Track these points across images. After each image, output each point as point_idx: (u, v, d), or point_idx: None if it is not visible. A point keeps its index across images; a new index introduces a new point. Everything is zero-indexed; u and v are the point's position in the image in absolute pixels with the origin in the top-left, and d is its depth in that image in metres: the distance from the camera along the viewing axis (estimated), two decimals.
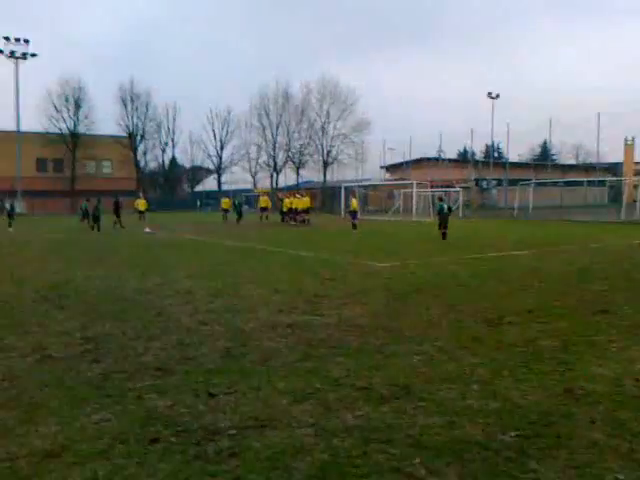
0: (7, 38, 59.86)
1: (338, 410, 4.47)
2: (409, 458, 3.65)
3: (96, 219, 29.32)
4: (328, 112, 72.64)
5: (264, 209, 39.26)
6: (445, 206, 21.17)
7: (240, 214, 38.44)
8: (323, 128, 73.05)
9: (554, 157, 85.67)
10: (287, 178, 78.75)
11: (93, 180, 69.76)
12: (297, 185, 71.63)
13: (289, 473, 3.48)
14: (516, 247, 18.42)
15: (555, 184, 55.84)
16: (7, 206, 33.84)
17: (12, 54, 60.21)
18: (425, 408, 4.50)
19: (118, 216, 31.61)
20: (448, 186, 51.57)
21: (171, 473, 3.49)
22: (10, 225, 31.37)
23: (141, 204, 40.40)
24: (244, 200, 40.56)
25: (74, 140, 69.28)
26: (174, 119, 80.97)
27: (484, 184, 68.13)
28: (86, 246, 20.41)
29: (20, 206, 61.05)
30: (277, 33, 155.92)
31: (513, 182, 51.81)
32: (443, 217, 20.57)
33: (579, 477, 3.40)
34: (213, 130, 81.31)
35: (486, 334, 6.90)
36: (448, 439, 3.93)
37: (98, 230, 28.72)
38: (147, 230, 27.95)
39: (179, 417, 4.37)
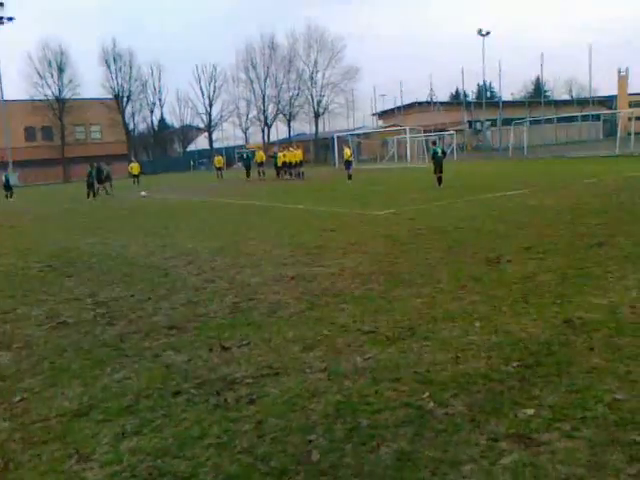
0: None
1: (347, 354, 4.68)
2: (418, 393, 3.86)
3: (90, 186, 28.85)
4: (316, 61, 71.39)
5: (260, 164, 39.02)
6: (439, 150, 21.13)
7: (248, 168, 38.09)
8: (312, 77, 71.93)
9: (547, 93, 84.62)
10: (279, 132, 78.06)
11: (83, 146, 69.05)
12: (289, 138, 71.00)
13: (306, 414, 3.70)
14: (512, 187, 18.52)
15: (549, 121, 55.45)
16: (2, 178, 33.67)
17: None
18: (430, 346, 4.70)
19: (100, 182, 30.27)
20: (441, 130, 51.22)
21: (196, 422, 3.69)
22: (7, 197, 31.44)
23: (134, 168, 40.36)
24: (247, 156, 39.74)
25: (61, 106, 68.00)
26: (159, 78, 79.43)
27: (477, 126, 67.64)
28: (83, 214, 20.46)
29: (14, 178, 60.72)
30: None
31: (507, 122, 51.40)
32: (438, 161, 20.55)
33: (580, 400, 3.61)
34: (200, 87, 79.95)
35: (485, 273, 7.09)
36: (453, 373, 4.13)
37: (94, 197, 28.43)
38: (143, 194, 27.93)
39: (197, 371, 4.57)
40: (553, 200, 14.22)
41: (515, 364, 4.22)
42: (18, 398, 4.28)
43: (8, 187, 33.05)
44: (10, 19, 59.50)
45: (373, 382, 4.09)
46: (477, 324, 5.19)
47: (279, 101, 74.41)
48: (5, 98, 60.99)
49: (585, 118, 61.37)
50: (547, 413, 3.45)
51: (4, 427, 3.83)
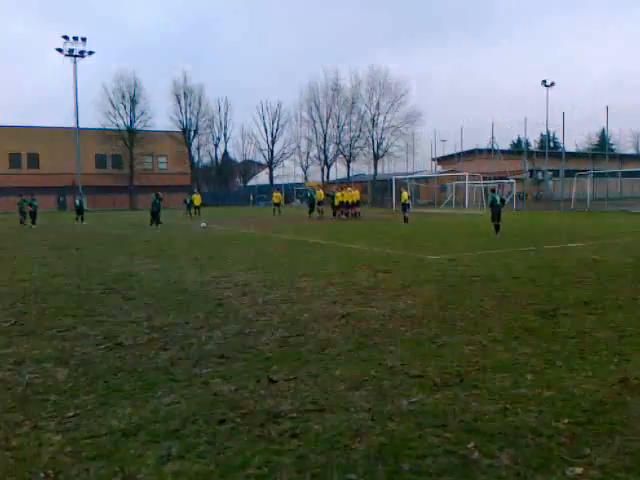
0: (66, 37, 61.89)
1: (393, 396, 4.66)
2: (463, 442, 3.80)
3: (154, 214, 29.74)
4: (378, 103, 72.27)
5: (320, 202, 39.26)
6: (498, 198, 20.88)
7: (312, 206, 38.17)
8: (373, 120, 72.75)
9: (612, 146, 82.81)
10: (338, 171, 79.07)
11: (150, 176, 71.71)
12: (348, 178, 71.71)
13: (348, 453, 3.69)
14: (572, 239, 18.10)
15: (613, 175, 54.03)
16: (76, 202, 35.81)
17: (70, 52, 62.26)
18: (478, 395, 4.63)
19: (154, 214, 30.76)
20: (501, 178, 50.67)
21: (238, 451, 3.75)
22: (77, 220, 33.60)
23: (196, 199, 41.71)
24: (310, 194, 39.97)
25: (131, 136, 71.16)
26: (226, 114, 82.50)
27: (539, 175, 66.53)
28: (146, 240, 21.14)
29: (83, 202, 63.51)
30: (326, 23, 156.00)
31: (570, 173, 50.37)
32: (496, 210, 20.29)
33: (633, 463, 3.48)
34: (264, 124, 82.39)
35: (540, 325, 6.93)
36: (501, 425, 4.05)
37: (157, 224, 29.22)
38: (203, 224, 28.67)
39: (243, 401, 4.64)
40: (615, 255, 13.79)
41: (566, 420, 4.10)
42: (71, 413, 4.45)
43: (80, 211, 34.90)
44: (91, 53, 63.29)
45: (418, 427, 4.06)
46: (529, 376, 5.07)
47: (340, 141, 75.58)
48: (80, 126, 64.31)
49: None
50: (597, 473, 3.33)
51: (56, 440, 3.98)
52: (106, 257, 15.47)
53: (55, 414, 4.44)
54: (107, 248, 18.42)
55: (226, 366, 5.56)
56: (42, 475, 3.50)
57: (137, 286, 10.41)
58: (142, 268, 12.87)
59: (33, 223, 31.11)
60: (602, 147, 77.87)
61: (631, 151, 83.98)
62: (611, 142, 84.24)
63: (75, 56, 62.40)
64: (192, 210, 40.78)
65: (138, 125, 72.01)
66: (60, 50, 62.01)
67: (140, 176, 70.98)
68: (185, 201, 28.27)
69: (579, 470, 3.39)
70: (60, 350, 6.24)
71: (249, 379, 5.16)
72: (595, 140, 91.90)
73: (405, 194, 30.56)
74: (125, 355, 6.00)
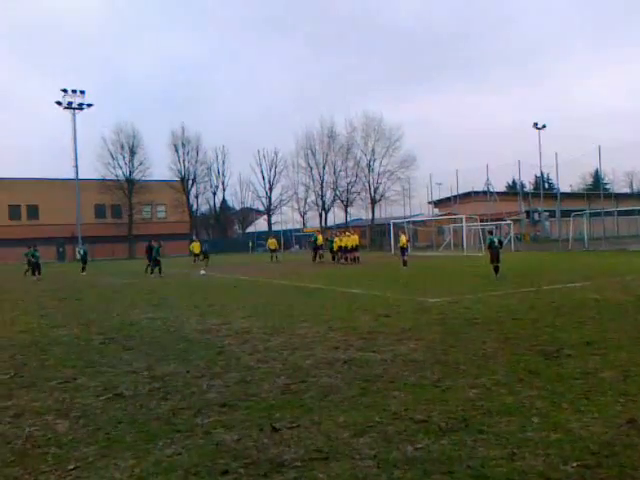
0: (65, 90, 63.15)
1: (398, 442, 4.59)
2: None
3: (156, 262, 29.92)
4: (373, 149, 73.42)
5: (320, 247, 39.40)
6: (496, 240, 20.97)
7: (316, 251, 38.67)
8: (369, 165, 73.75)
9: (607, 186, 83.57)
10: (336, 217, 79.56)
11: (149, 224, 72.16)
12: (346, 223, 72.14)
13: None
14: (572, 279, 18.11)
15: (609, 214, 54.40)
16: (80, 252, 36.49)
17: (69, 105, 63.40)
18: (485, 440, 4.57)
19: (150, 260, 31.22)
20: (498, 219, 51.00)
21: None
22: (83, 270, 33.65)
23: (196, 247, 41.91)
24: (315, 239, 40.23)
25: (130, 186, 71.87)
26: (224, 162, 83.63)
27: (536, 216, 67.03)
28: (145, 289, 21.11)
29: (81, 253, 63.57)
30: (320, 71, 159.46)
31: (566, 213, 50.73)
32: (494, 251, 20.36)
33: None
34: (262, 172, 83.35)
35: (544, 367, 6.88)
36: (509, 470, 3.99)
37: (159, 273, 29.12)
38: (202, 272, 28.67)
39: (246, 450, 4.57)
40: (615, 294, 13.78)
41: (574, 464, 4.04)
42: (72, 466, 4.38)
43: (85, 260, 35.38)
44: (89, 105, 64.46)
45: (424, 474, 3.99)
46: (535, 419, 5.01)
47: (337, 187, 76.37)
48: (79, 176, 64.98)
49: None
50: None
51: None
52: (104, 307, 15.41)
53: (55, 467, 4.37)
54: (105, 298, 18.37)
55: (228, 415, 5.49)
56: None
57: (137, 335, 10.35)
58: (142, 317, 12.82)
59: (36, 274, 30.24)
60: (596, 187, 78.55)
61: (625, 190, 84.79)
62: (605, 181, 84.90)
63: (74, 108, 63.50)
64: (194, 257, 41.10)
65: (137, 175, 72.89)
66: (59, 103, 63.17)
67: (139, 225, 71.40)
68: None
69: None
70: (60, 402, 6.17)
71: (252, 428, 5.09)
72: (589, 180, 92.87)
73: (403, 238, 30.69)
74: (126, 406, 5.94)
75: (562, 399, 5.56)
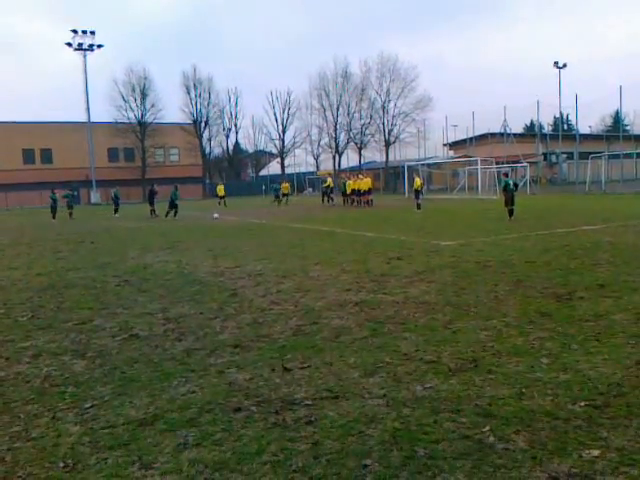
0: (74, 31, 62.07)
1: (408, 382, 4.66)
2: (478, 426, 3.79)
3: (172, 206, 30.38)
4: (388, 90, 71.69)
5: (331, 190, 39.41)
6: (511, 182, 20.72)
7: (326, 194, 39.16)
8: (384, 107, 72.22)
9: (627, 127, 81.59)
10: (349, 159, 78.74)
11: (162, 168, 72.04)
12: (359, 166, 71.43)
13: (363, 439, 3.70)
14: (587, 222, 17.94)
15: (629, 156, 53.35)
16: (112, 194, 36.87)
17: (79, 46, 62.44)
18: (493, 380, 4.61)
19: (152, 204, 32.45)
20: (515, 162, 50.22)
21: (254, 438, 3.77)
22: (115, 212, 34.41)
23: (221, 189, 42.98)
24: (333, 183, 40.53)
25: (142, 129, 71.29)
26: (236, 104, 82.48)
27: (553, 158, 65.87)
28: (159, 232, 21.26)
29: (95, 196, 63.98)
30: (335, 9, 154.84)
31: (584, 155, 49.79)
32: (509, 194, 20.16)
33: None
34: (274, 113, 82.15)
35: (555, 309, 6.88)
36: (517, 409, 4.04)
37: (174, 216, 29.76)
38: (215, 215, 28.79)
39: (258, 389, 4.66)
40: (631, 237, 13.64)
41: (583, 403, 4.07)
42: (89, 405, 4.50)
43: (117, 203, 35.79)
44: (100, 46, 63.42)
45: (432, 412, 4.06)
46: (544, 360, 5.04)
47: (350, 129, 75.18)
48: (91, 120, 64.65)
49: None
50: (614, 456, 3.31)
51: (75, 431, 4.03)
52: (120, 250, 15.57)
53: (73, 405, 4.50)
54: (121, 241, 18.55)
55: (241, 355, 5.59)
56: (61, 464, 3.55)
57: (151, 278, 10.47)
58: (156, 260, 12.96)
59: (53, 218, 31.82)
60: (616, 128, 76.72)
61: None
62: (625, 123, 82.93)
63: (84, 50, 62.58)
64: (219, 200, 42.15)
65: (149, 118, 72.05)
66: (69, 44, 62.19)
67: (152, 169, 71.22)
68: (173, 194, 29.28)
69: (596, 452, 3.37)
70: (77, 343, 6.31)
71: (264, 368, 5.18)
72: (609, 121, 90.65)
73: (418, 180, 30.43)
74: (141, 346, 6.05)
75: (572, 341, 5.58)
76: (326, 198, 38.65)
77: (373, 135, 74.14)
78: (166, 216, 29.94)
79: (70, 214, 33.16)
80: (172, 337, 6.36)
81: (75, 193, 33.77)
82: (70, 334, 6.66)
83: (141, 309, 7.85)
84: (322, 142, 79.43)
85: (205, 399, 4.49)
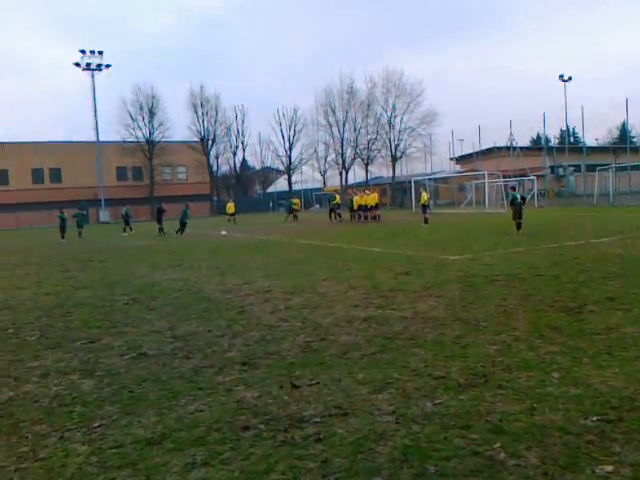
0: (83, 51, 62.88)
1: (417, 398, 4.62)
2: (489, 443, 3.75)
3: (183, 224, 30.98)
4: (394, 105, 71.93)
5: (338, 206, 39.51)
6: (518, 196, 20.69)
7: (333, 210, 39.41)
8: (390, 122, 72.41)
9: (634, 139, 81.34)
10: (356, 175, 78.93)
11: (170, 186, 72.40)
12: (366, 182, 71.54)
13: (373, 457, 3.67)
14: (596, 235, 17.84)
15: (636, 168, 53.10)
16: (122, 213, 37.40)
17: (88, 66, 63.21)
18: (504, 395, 4.57)
19: (160, 222, 32.91)
20: (522, 175, 50.16)
21: (262, 457, 3.74)
22: (125, 231, 35.07)
23: (231, 207, 43.76)
24: (334, 199, 40.92)
25: (150, 148, 71.80)
26: (243, 121, 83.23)
27: (560, 171, 65.70)
28: (169, 250, 21.32)
29: (104, 215, 64.36)
30: (340, 26, 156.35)
31: (591, 168, 49.63)
32: (517, 207, 20.12)
33: None
34: (281, 130, 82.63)
35: (565, 323, 6.83)
36: (528, 424, 3.99)
37: (181, 234, 30.43)
38: (223, 233, 28.89)
39: (266, 407, 4.64)
40: None
41: (595, 418, 4.02)
42: (97, 424, 4.49)
43: (127, 221, 36.21)
44: (107, 66, 64.18)
45: (442, 428, 4.02)
46: (555, 375, 4.99)
47: (357, 145, 75.42)
48: (100, 139, 65.20)
49: None
50: (628, 471, 3.27)
51: (82, 450, 4.02)
52: (129, 268, 15.62)
53: (81, 425, 4.49)
54: (130, 259, 18.61)
55: (249, 373, 5.57)
56: None
57: (159, 296, 10.49)
58: (164, 278, 12.98)
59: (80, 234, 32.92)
60: (623, 140, 76.53)
61: None
62: (632, 135, 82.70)
63: (93, 70, 63.35)
64: (229, 217, 43.18)
65: (157, 136, 72.59)
66: (78, 64, 62.96)
67: (160, 187, 71.59)
68: (184, 212, 30.35)
69: (609, 468, 3.32)
70: (85, 362, 6.31)
71: (272, 385, 5.16)
72: (616, 134, 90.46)
73: (425, 195, 30.44)
74: (149, 365, 6.05)
75: (583, 354, 5.53)
76: (333, 215, 38.71)
77: (379, 150, 74.32)
78: (176, 233, 30.31)
79: (79, 233, 33.40)
80: (180, 355, 6.35)
81: (85, 212, 34.10)
82: (78, 353, 6.66)
83: (149, 327, 7.86)
84: (329, 158, 79.79)
85: (213, 417, 4.47)
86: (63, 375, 5.84)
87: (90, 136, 65.58)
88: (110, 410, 4.78)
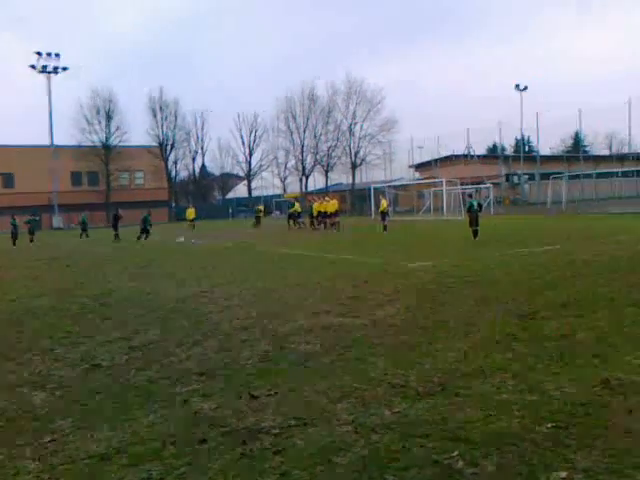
0: (39, 53, 61.36)
1: (376, 407, 4.62)
2: (447, 451, 3.77)
3: (144, 230, 30.73)
4: (354, 112, 72.57)
5: (299, 214, 39.45)
6: (475, 203, 21.06)
7: (291, 218, 39.10)
8: (350, 129, 72.97)
9: (586, 148, 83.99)
10: (316, 181, 79.14)
11: (127, 192, 71.09)
12: (326, 188, 71.79)
13: (332, 468, 3.64)
14: (549, 241, 18.29)
15: (588, 176, 54.85)
16: (80, 218, 36.93)
17: (44, 69, 61.69)
18: (461, 403, 4.61)
19: (116, 229, 32.55)
20: (478, 183, 51.17)
21: (220, 471, 3.68)
22: (82, 236, 34.72)
23: (190, 213, 42.92)
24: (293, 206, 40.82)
25: (107, 152, 70.37)
26: (202, 127, 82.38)
27: (515, 179, 67.29)
28: (125, 257, 20.91)
29: (57, 220, 62.74)
30: (301, 32, 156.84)
31: (545, 176, 51.06)
32: (473, 215, 20.47)
33: (616, 464, 3.48)
34: (241, 136, 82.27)
35: (520, 329, 6.96)
36: (484, 432, 4.03)
37: (142, 240, 30.11)
38: (181, 239, 28.54)
39: (224, 418, 4.56)
40: (592, 256, 13.94)
41: (549, 425, 4.09)
42: (48, 439, 4.34)
43: (84, 228, 35.65)
44: (65, 69, 62.75)
45: (401, 437, 4.02)
46: (510, 382, 5.07)
47: (317, 151, 75.74)
48: (55, 143, 63.61)
49: (625, 174, 60.45)
50: (581, 477, 3.33)
51: (33, 468, 3.88)
52: (85, 275, 15.25)
53: (31, 440, 4.33)
54: (86, 266, 18.17)
55: (206, 383, 5.48)
56: None
57: (116, 304, 10.26)
58: (121, 285, 12.72)
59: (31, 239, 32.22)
60: (576, 149, 78.94)
61: (605, 152, 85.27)
62: (585, 144, 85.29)
63: (49, 72, 61.83)
64: (189, 223, 42.17)
65: (114, 141, 71.30)
66: (33, 67, 61.38)
67: (117, 192, 70.22)
68: (145, 219, 29.82)
69: (563, 474, 3.38)
70: (37, 374, 6.11)
71: (230, 396, 5.09)
72: (569, 143, 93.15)
73: (384, 202, 30.68)
74: (103, 376, 5.90)
75: (538, 361, 5.63)
76: (292, 222, 38.69)
77: (340, 157, 74.78)
78: (137, 239, 29.86)
79: (31, 239, 32.50)
80: (136, 366, 6.20)
81: (37, 218, 33.24)
82: (30, 364, 6.45)
83: (104, 337, 7.66)
84: (289, 165, 79.90)
85: (169, 430, 4.37)
86: (12, 388, 5.63)
87: (44, 140, 63.94)
88: (62, 424, 4.63)
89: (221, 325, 8.07)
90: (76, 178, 70.77)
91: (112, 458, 3.96)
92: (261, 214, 43.95)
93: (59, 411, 4.94)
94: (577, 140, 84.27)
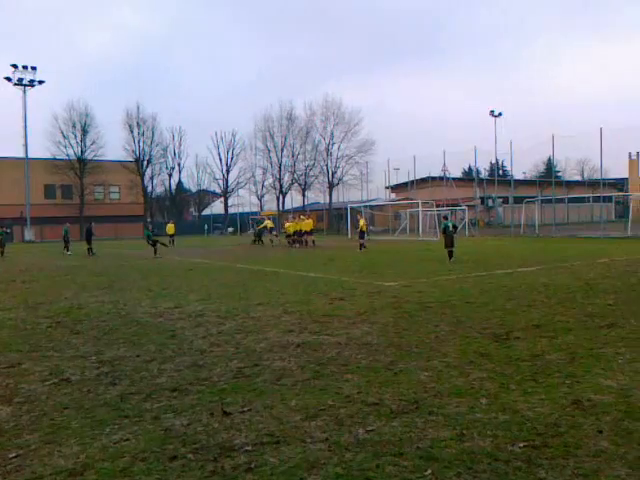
0: (15, 66, 60.70)
1: (350, 425, 4.59)
2: (420, 470, 3.76)
3: (153, 243, 29.74)
4: (332, 133, 73.22)
5: (268, 231, 39.66)
6: (450, 225, 21.28)
7: (259, 235, 39.18)
8: (328, 149, 73.56)
9: (559, 174, 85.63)
10: (293, 200, 79.23)
11: (101, 206, 70.33)
12: (303, 207, 71.92)
13: None
14: (523, 264, 18.53)
15: (560, 201, 55.84)
16: (63, 231, 35.78)
17: (20, 82, 61.01)
18: (435, 422, 4.61)
19: (89, 242, 32.18)
20: (454, 205, 51.73)
21: None
22: (65, 249, 33.88)
23: (170, 228, 42.46)
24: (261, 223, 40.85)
25: (82, 166, 69.65)
26: (180, 143, 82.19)
27: (489, 202, 68.23)
28: (98, 271, 20.59)
29: (29, 233, 61.64)
30: (281, 53, 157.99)
31: (519, 200, 51.82)
32: (449, 236, 20.67)
33: None
34: (219, 153, 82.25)
35: (494, 349, 7.01)
36: (458, 451, 4.03)
37: (155, 253, 28.80)
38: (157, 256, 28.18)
39: (196, 435, 4.49)
40: (564, 279, 14.16)
41: (521, 444, 4.11)
42: (14, 454, 4.22)
43: (67, 240, 34.76)
44: (41, 82, 62.15)
45: (374, 456, 4.00)
46: (483, 401, 5.09)
47: (295, 171, 76.06)
48: (29, 156, 62.73)
49: (597, 199, 61.67)
50: None
51: None
52: (54, 290, 14.97)
53: None
54: (55, 280, 17.84)
55: (178, 400, 5.39)
56: None
57: (86, 319, 10.08)
58: (92, 300, 12.50)
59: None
60: (549, 174, 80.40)
61: (577, 178, 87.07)
62: (557, 169, 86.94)
63: (25, 85, 61.18)
64: (169, 239, 41.16)
65: (89, 155, 70.63)
66: (9, 79, 60.72)
67: (91, 206, 69.39)
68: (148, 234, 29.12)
69: None
70: (4, 387, 5.95)
71: (202, 412, 5.01)
72: (542, 168, 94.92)
73: (362, 221, 30.85)
74: (72, 391, 5.76)
75: (510, 381, 5.67)
76: (258, 239, 39.09)
77: (317, 177, 75.25)
78: (155, 253, 28.71)
79: (1, 252, 31.91)
80: (106, 381, 6.08)
81: (9, 231, 32.49)
82: None
83: (73, 352, 7.51)
84: (266, 183, 79.93)
85: (139, 447, 4.28)
86: None
87: (18, 152, 63.03)
88: (29, 439, 4.51)
89: (194, 341, 7.96)
90: (49, 191, 69.76)
91: (80, 474, 3.86)
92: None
93: (26, 426, 4.81)
94: (549, 165, 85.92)
